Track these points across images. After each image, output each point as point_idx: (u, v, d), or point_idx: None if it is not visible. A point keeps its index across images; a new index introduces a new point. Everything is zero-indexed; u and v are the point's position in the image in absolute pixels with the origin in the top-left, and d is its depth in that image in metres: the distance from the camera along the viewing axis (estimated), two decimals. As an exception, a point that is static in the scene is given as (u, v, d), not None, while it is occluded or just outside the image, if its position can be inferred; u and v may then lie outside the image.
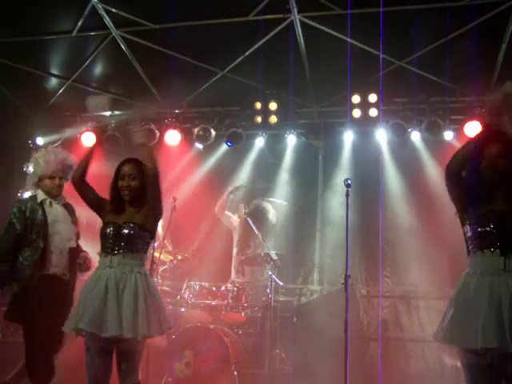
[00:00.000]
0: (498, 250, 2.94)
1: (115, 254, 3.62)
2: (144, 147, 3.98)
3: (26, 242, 4.30)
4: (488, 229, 2.97)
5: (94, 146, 4.21)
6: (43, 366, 4.19)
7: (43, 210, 4.40)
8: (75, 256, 4.42)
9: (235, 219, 7.12)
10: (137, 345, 3.56)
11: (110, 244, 3.66)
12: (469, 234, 3.06)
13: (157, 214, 3.79)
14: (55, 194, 4.49)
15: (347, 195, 4.39)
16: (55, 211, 4.46)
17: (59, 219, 4.45)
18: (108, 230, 3.68)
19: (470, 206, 3.05)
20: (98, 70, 7.43)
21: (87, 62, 7.10)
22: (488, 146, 3.07)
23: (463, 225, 3.12)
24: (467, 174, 3.10)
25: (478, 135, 3.22)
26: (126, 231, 3.64)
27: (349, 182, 4.39)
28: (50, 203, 4.47)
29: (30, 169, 4.62)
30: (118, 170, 3.75)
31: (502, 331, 2.75)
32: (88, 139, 7.91)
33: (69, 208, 4.59)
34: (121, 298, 3.50)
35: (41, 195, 4.47)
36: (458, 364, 3.05)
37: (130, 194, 3.70)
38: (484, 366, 2.86)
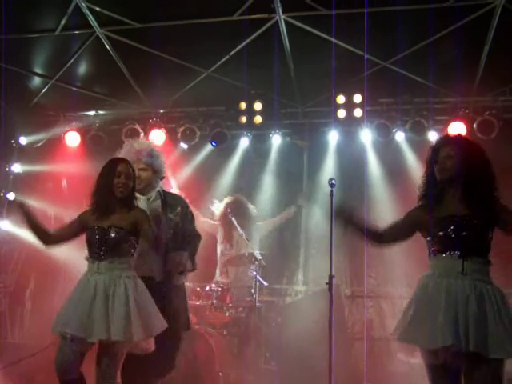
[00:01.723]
0: (457, 253, 2.99)
1: (102, 260, 3.58)
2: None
3: None
4: (448, 233, 3.02)
5: (27, 213, 3.79)
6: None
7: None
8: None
9: (215, 222, 7.03)
10: (120, 348, 3.53)
11: (96, 249, 3.61)
12: (429, 237, 3.13)
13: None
14: (138, 188, 4.02)
15: (331, 195, 4.39)
16: (142, 205, 4.06)
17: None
18: (93, 235, 3.63)
19: (428, 212, 3.12)
20: (82, 69, 7.37)
21: (71, 61, 7.02)
22: (440, 148, 3.18)
23: (423, 229, 3.19)
24: (424, 180, 3.23)
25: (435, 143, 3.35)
26: (112, 235, 3.59)
27: (333, 181, 4.40)
28: (138, 199, 4.07)
29: None
30: (113, 167, 3.69)
31: (457, 331, 2.80)
32: (72, 139, 7.88)
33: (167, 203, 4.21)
34: (110, 302, 3.46)
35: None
36: (412, 361, 3.14)
37: (125, 192, 3.66)
38: (441, 366, 2.93)
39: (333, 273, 4.39)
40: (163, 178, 4.36)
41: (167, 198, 4.18)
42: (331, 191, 4.38)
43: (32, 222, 3.76)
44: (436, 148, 3.21)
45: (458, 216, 3.02)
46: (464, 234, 2.99)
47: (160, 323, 3.62)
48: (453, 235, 3.00)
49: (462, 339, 2.79)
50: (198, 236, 4.27)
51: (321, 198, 7.14)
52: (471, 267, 2.96)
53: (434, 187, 3.14)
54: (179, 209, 4.15)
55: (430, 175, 3.18)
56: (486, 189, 3.05)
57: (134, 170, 3.78)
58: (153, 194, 4.14)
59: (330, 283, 4.16)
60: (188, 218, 4.20)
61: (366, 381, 5.28)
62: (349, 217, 3.29)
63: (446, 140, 3.27)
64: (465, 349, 2.79)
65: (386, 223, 6.59)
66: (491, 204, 3.03)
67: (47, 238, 3.78)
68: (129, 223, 3.63)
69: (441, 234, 3.03)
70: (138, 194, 3.99)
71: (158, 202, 4.13)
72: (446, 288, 2.94)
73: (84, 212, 3.76)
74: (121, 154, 4.14)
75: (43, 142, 8.07)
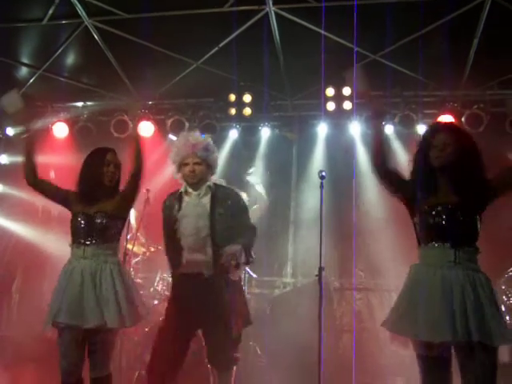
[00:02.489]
0: (448, 243, 2.96)
1: (88, 245, 3.58)
2: (138, 142, 3.84)
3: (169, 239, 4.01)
4: (439, 221, 2.98)
5: (31, 144, 3.89)
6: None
7: (180, 203, 3.98)
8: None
9: None
10: (113, 335, 3.55)
11: (82, 234, 3.61)
12: (419, 225, 3.08)
13: (129, 203, 3.80)
14: (191, 182, 3.97)
15: (321, 187, 4.36)
16: (194, 202, 3.97)
17: (189, 213, 3.94)
18: (79, 220, 3.63)
19: (418, 198, 3.07)
20: (70, 59, 7.31)
21: (59, 52, 6.97)
22: (435, 135, 3.12)
23: (413, 216, 3.15)
24: (415, 166, 3.17)
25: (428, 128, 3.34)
26: (98, 221, 3.60)
27: (323, 173, 4.35)
28: (190, 194, 4.00)
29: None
30: (102, 156, 3.69)
31: (454, 323, 2.79)
32: (60, 130, 7.82)
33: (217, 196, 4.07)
34: (98, 288, 3.47)
35: (183, 185, 4.05)
36: (402, 352, 3.11)
37: (113, 181, 3.68)
38: (435, 358, 2.92)
39: (322, 265, 4.37)
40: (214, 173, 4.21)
41: (218, 192, 4.02)
42: (321, 183, 4.35)
43: (31, 154, 3.78)
44: (430, 133, 3.16)
45: (451, 204, 2.99)
46: (456, 223, 2.96)
47: (144, 311, 3.67)
48: (445, 224, 2.96)
49: (459, 330, 2.77)
50: (252, 228, 4.09)
51: (310, 190, 7.18)
52: (463, 256, 2.94)
53: (426, 174, 3.08)
54: (229, 202, 3.99)
55: (421, 161, 3.11)
56: (480, 178, 3.03)
57: (119, 159, 3.77)
58: (203, 189, 4.01)
59: (319, 275, 4.14)
60: (240, 210, 4.05)
61: (354, 372, 5.31)
62: (380, 113, 3.30)
63: (440, 127, 3.21)
64: (466, 339, 2.76)
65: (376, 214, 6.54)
66: (483, 192, 3.01)
67: (33, 176, 3.76)
68: (114, 207, 3.66)
69: (432, 222, 2.99)
70: (189, 189, 3.95)
71: (208, 196, 3.99)
72: (441, 278, 2.90)
73: (72, 192, 3.74)
74: (175, 145, 4.04)
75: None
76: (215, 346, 3.89)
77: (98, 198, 3.66)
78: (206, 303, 3.78)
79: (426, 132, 3.23)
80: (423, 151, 3.12)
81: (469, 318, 2.79)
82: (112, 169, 3.67)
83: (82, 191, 3.70)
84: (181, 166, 3.96)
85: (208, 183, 4.00)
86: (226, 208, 3.95)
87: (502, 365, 2.91)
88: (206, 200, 3.97)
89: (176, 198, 4.00)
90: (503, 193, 3.03)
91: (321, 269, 4.23)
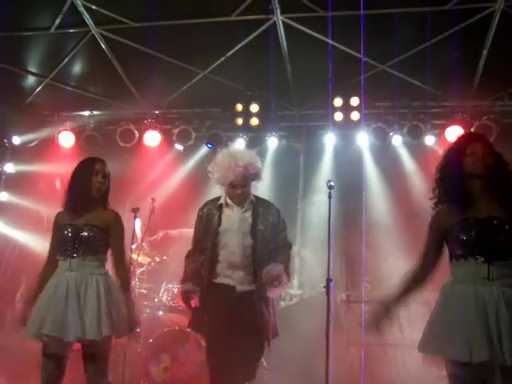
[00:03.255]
0: (481, 258, 2.85)
1: (74, 257, 3.55)
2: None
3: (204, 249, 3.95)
4: (471, 236, 2.87)
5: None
6: None
7: (221, 214, 3.93)
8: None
9: None
10: (101, 346, 3.49)
11: (68, 247, 3.58)
12: (451, 241, 2.96)
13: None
14: (237, 201, 3.95)
15: (329, 197, 4.28)
16: (236, 212, 3.94)
17: (233, 228, 3.91)
18: (66, 233, 3.60)
19: (451, 213, 2.96)
20: (77, 68, 7.31)
21: (66, 60, 6.97)
22: (470, 143, 3.03)
23: (445, 234, 3.00)
24: (447, 177, 3.05)
25: (461, 135, 3.24)
26: (85, 234, 3.57)
27: (331, 183, 4.26)
28: (232, 207, 3.95)
29: (213, 172, 3.97)
30: (91, 166, 3.65)
31: (491, 343, 2.68)
32: (66, 139, 7.79)
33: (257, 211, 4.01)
34: (82, 301, 3.44)
35: (223, 196, 3.99)
36: (442, 372, 2.98)
37: (101, 191, 3.63)
38: (472, 378, 2.77)
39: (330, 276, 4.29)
40: None
41: (259, 207, 3.98)
42: (329, 193, 4.27)
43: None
44: (464, 142, 3.06)
45: (482, 218, 2.90)
46: (489, 237, 2.86)
47: (127, 325, 3.59)
48: (477, 238, 2.86)
49: (497, 352, 2.67)
50: (289, 246, 4.09)
51: (317, 201, 7.11)
52: (497, 272, 2.82)
53: (463, 185, 2.97)
54: (270, 219, 3.96)
55: (456, 169, 2.99)
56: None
57: (108, 169, 3.72)
58: (247, 204, 3.97)
59: (327, 286, 4.06)
60: (279, 226, 4.00)
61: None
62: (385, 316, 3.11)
63: (476, 136, 3.13)
64: (501, 362, 2.68)
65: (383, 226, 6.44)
66: None
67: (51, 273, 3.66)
68: (102, 222, 3.62)
69: (464, 237, 2.89)
70: (231, 202, 3.93)
71: (250, 212, 3.96)
72: (474, 295, 2.80)
73: (56, 217, 3.72)
74: (220, 166, 3.89)
75: (36, 142, 7.98)
76: (247, 356, 3.84)
77: (85, 208, 3.62)
78: (243, 315, 3.77)
79: (460, 140, 3.13)
80: (458, 159, 3.01)
81: (503, 339, 2.69)
82: (100, 179, 3.62)
83: (70, 201, 3.65)
84: (230, 185, 3.88)
85: (251, 197, 3.99)
86: (267, 225, 3.93)
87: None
88: (248, 215, 3.94)
89: (216, 207, 3.95)
90: None
91: (328, 280, 4.15)
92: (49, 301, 3.47)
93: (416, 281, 3.09)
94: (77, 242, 3.56)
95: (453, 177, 3.01)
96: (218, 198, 4.01)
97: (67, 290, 3.46)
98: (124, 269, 3.71)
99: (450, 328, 2.80)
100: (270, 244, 3.92)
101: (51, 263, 3.67)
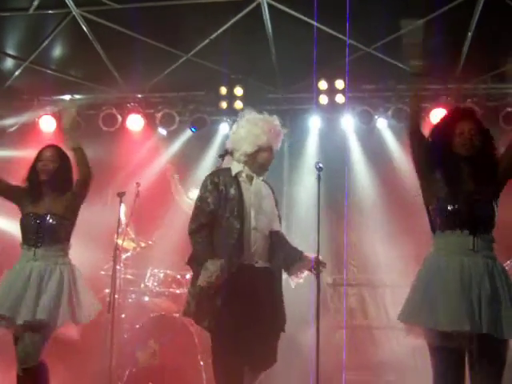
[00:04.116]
0: (467, 230, 2.92)
1: (39, 247, 3.59)
2: (78, 151, 3.79)
3: (218, 221, 3.65)
4: (458, 208, 2.94)
5: None
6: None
7: (238, 185, 3.72)
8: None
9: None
10: (48, 330, 3.50)
11: (32, 236, 3.61)
12: (436, 212, 3.03)
13: (77, 204, 3.78)
14: (265, 169, 3.88)
15: (318, 179, 4.20)
16: (256, 187, 3.79)
17: (261, 196, 3.79)
18: (29, 222, 3.64)
19: (437, 183, 3.03)
20: (57, 51, 7.13)
21: (45, 43, 6.77)
22: (459, 122, 3.06)
23: (429, 203, 3.08)
24: (436, 151, 3.07)
25: (449, 112, 3.27)
26: (48, 223, 3.61)
27: (320, 165, 4.15)
28: (251, 178, 3.80)
29: (242, 136, 3.81)
30: (39, 153, 3.77)
31: (472, 313, 2.75)
32: (47, 124, 7.66)
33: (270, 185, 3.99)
34: (44, 288, 3.47)
35: (236, 167, 3.80)
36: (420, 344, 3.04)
37: (47, 175, 3.68)
38: (451, 348, 2.85)
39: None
40: None
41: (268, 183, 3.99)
42: (318, 175, 4.19)
43: None
44: (452, 119, 3.10)
45: (470, 192, 2.97)
46: (475, 210, 2.93)
47: (87, 313, 3.63)
48: (464, 211, 2.93)
49: (476, 321, 2.74)
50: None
51: (302, 185, 7.10)
52: (481, 244, 2.91)
53: (449, 160, 3.02)
54: (274, 195, 3.99)
55: (444, 146, 3.04)
56: (496, 167, 3.04)
57: (63, 154, 3.77)
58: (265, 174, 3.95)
59: (317, 269, 4.01)
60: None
61: (344, 368, 5.27)
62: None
63: (464, 114, 3.16)
64: (478, 330, 2.74)
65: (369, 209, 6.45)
66: (499, 179, 3.04)
67: None
68: (63, 207, 3.67)
69: (450, 208, 2.95)
70: (252, 174, 3.78)
71: (267, 185, 3.93)
72: (460, 265, 2.86)
73: (23, 188, 3.77)
74: (258, 126, 3.80)
75: (17, 127, 7.84)
76: (267, 342, 3.70)
77: (41, 195, 3.70)
78: (265, 294, 3.63)
79: (448, 118, 3.16)
80: (446, 137, 3.05)
81: (482, 309, 2.75)
82: (44, 163, 3.69)
83: (26, 190, 3.75)
84: (259, 150, 3.76)
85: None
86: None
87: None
88: (266, 187, 3.90)
89: (230, 177, 3.74)
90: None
91: (318, 262, 4.05)
92: (10, 285, 3.51)
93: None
94: (40, 231, 3.60)
95: (441, 155, 3.05)
96: (227, 170, 3.81)
97: (29, 276, 3.50)
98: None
99: (432, 298, 2.84)
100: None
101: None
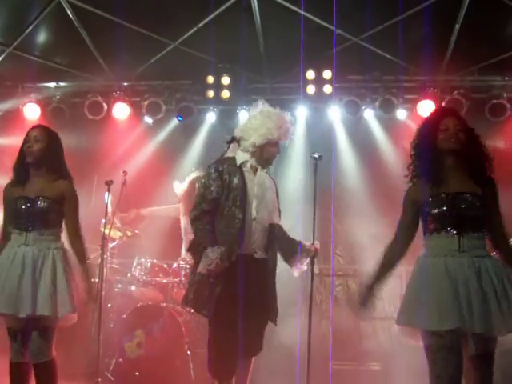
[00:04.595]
0: (453, 231, 2.94)
1: (30, 231, 3.50)
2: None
3: (220, 209, 3.66)
4: (442, 210, 2.95)
5: None
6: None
7: (242, 175, 3.74)
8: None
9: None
10: (53, 322, 3.46)
11: (23, 220, 3.53)
12: (424, 215, 3.04)
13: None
14: (270, 163, 3.95)
15: (315, 170, 4.16)
16: (259, 178, 3.82)
17: (264, 187, 3.83)
18: (20, 206, 3.54)
19: (424, 188, 3.02)
20: (42, 37, 7.01)
21: (30, 29, 6.65)
22: (443, 119, 3.06)
23: (419, 209, 3.08)
24: (421, 152, 3.08)
25: (433, 111, 3.28)
26: (39, 206, 3.52)
27: (316, 155, 4.15)
28: (255, 169, 3.83)
29: (254, 126, 3.83)
30: (26, 135, 3.65)
31: (460, 312, 2.77)
32: (31, 111, 7.55)
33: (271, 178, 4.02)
34: (38, 276, 3.40)
35: (241, 157, 3.83)
36: (417, 343, 3.05)
37: (32, 157, 3.56)
38: (445, 347, 2.86)
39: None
40: None
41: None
42: (315, 164, 4.16)
43: None
44: (436, 117, 3.10)
45: (453, 193, 2.97)
46: (460, 211, 2.94)
47: (85, 297, 3.59)
48: (448, 212, 2.94)
49: (466, 320, 2.75)
50: None
51: (288, 176, 7.09)
52: (468, 244, 2.92)
53: (435, 161, 3.02)
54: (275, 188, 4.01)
55: (429, 145, 3.04)
56: (484, 167, 3.03)
57: (50, 133, 3.68)
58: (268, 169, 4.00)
59: (312, 258, 4.02)
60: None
61: (333, 358, 5.29)
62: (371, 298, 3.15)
63: (449, 112, 3.16)
64: (470, 330, 2.76)
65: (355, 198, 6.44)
66: (487, 181, 3.03)
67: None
68: (55, 193, 3.58)
69: (436, 211, 2.97)
70: (257, 165, 3.83)
71: (270, 178, 3.98)
72: (445, 266, 2.88)
73: (5, 190, 3.67)
74: (272, 120, 3.83)
75: (0, 114, 7.71)
76: (260, 329, 3.80)
77: (30, 178, 3.59)
78: (259, 284, 3.68)
79: (432, 116, 3.15)
80: (430, 135, 3.04)
81: (473, 308, 2.77)
82: (30, 144, 3.58)
83: (13, 173, 3.65)
84: (268, 143, 3.80)
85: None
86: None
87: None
88: (269, 180, 3.93)
89: (234, 167, 3.76)
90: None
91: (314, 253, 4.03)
92: (4, 278, 3.42)
93: (394, 255, 3.14)
94: (31, 215, 3.51)
95: (426, 153, 3.06)
96: (232, 159, 3.83)
97: (23, 266, 3.42)
98: (79, 241, 3.62)
99: (421, 299, 2.88)
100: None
101: (6, 238, 3.59)
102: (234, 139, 3.95)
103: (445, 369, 2.84)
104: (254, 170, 3.82)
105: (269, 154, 3.85)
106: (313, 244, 3.95)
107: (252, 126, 3.83)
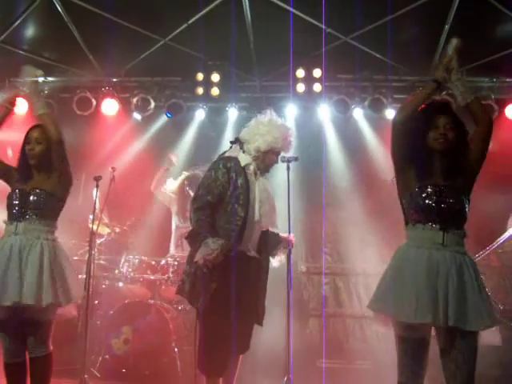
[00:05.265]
0: (437, 225, 2.96)
1: (21, 221, 3.51)
2: (46, 116, 3.66)
3: (224, 205, 3.75)
4: (429, 202, 2.98)
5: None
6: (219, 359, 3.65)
7: (245, 176, 3.83)
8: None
9: (172, 195, 6.96)
10: (44, 314, 3.45)
11: (15, 211, 3.55)
12: (409, 206, 3.06)
13: (67, 180, 3.68)
14: (267, 171, 4.06)
15: (288, 171, 4.30)
16: (262, 183, 3.96)
17: (267, 193, 3.98)
18: (14, 197, 3.59)
19: (411, 177, 3.05)
20: (30, 31, 6.92)
21: (18, 22, 6.56)
22: (436, 115, 3.07)
23: (403, 197, 3.12)
24: (411, 146, 3.08)
25: (426, 105, 3.26)
26: (32, 197, 3.54)
27: (286, 157, 4.24)
28: (256, 173, 3.94)
29: (261, 132, 3.92)
30: (26, 135, 3.68)
31: (436, 306, 2.79)
32: (19, 106, 7.47)
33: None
34: (24, 265, 3.39)
35: (244, 159, 3.91)
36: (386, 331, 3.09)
37: (35, 158, 3.60)
38: (416, 339, 2.91)
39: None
40: None
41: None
42: (288, 166, 4.28)
43: None
44: (430, 113, 3.10)
45: (442, 186, 3.00)
46: (446, 205, 2.96)
47: (74, 292, 3.57)
48: (435, 206, 2.96)
49: (440, 314, 2.78)
50: None
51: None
52: (451, 239, 2.94)
53: (423, 154, 3.05)
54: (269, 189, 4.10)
55: (419, 140, 3.06)
56: (469, 162, 3.05)
57: (49, 134, 3.62)
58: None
59: (288, 257, 4.09)
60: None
61: (322, 356, 5.32)
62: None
63: (441, 108, 3.16)
64: (443, 324, 2.78)
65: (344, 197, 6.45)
66: (471, 174, 3.07)
67: None
68: (52, 184, 3.61)
69: (422, 203, 2.99)
70: (258, 171, 3.93)
71: (267, 183, 4.08)
72: (428, 259, 2.90)
73: (15, 169, 3.71)
74: (277, 131, 3.93)
75: (-13, 109, 7.63)
76: (249, 328, 3.87)
77: (30, 175, 3.64)
78: (254, 282, 3.79)
79: (426, 110, 3.14)
80: (422, 130, 3.06)
81: (449, 302, 2.80)
82: (31, 146, 3.61)
83: (18, 168, 3.69)
84: (270, 151, 3.92)
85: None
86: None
87: (494, 347, 2.92)
88: (267, 185, 4.03)
89: (239, 167, 3.84)
90: (482, 155, 3.08)
91: (290, 250, 4.13)
92: None
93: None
94: (24, 205, 3.54)
95: (415, 149, 3.06)
96: (236, 159, 3.89)
97: (10, 253, 3.42)
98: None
99: (399, 289, 2.89)
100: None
101: None
102: (237, 140, 4.03)
103: (411, 359, 2.90)
104: (255, 174, 3.92)
105: (269, 161, 3.98)
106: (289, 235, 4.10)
107: (259, 132, 3.92)
